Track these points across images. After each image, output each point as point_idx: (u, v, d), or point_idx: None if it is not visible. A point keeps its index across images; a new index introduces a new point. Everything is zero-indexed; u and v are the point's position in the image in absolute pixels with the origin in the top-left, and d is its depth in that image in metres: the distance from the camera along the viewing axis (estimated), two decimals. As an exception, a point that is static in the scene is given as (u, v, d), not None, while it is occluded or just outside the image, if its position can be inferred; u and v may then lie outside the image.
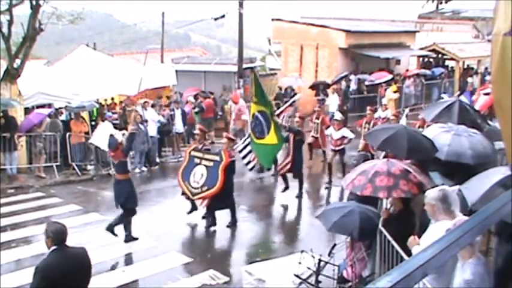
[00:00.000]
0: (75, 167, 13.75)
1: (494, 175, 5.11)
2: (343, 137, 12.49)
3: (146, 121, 14.76)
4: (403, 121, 11.44)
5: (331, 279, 6.33)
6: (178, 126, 16.39)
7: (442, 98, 16.68)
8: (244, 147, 11.57)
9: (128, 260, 8.54)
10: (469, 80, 22.74)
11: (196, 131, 10.67)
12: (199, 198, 9.68)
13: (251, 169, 12.07)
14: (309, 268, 6.47)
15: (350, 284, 6.32)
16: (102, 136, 13.72)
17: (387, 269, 5.32)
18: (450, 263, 4.08)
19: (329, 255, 6.63)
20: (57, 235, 4.64)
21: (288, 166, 11.38)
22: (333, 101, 19.39)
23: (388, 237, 5.47)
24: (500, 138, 5.93)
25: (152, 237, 9.20)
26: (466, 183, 5.26)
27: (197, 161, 9.90)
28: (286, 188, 11.50)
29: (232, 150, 9.97)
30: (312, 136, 14.36)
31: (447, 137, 6.81)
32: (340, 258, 6.78)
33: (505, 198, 2.08)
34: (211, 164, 9.67)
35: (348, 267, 6.35)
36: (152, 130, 14.92)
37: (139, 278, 7.82)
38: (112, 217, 10.31)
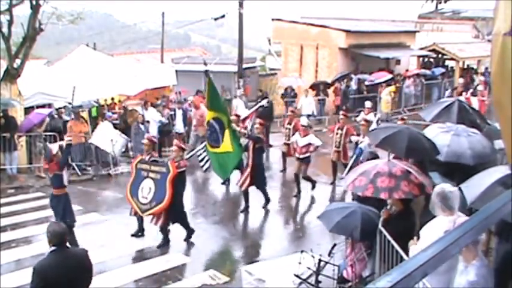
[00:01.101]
0: (75, 167, 13.74)
1: (493, 174, 5.12)
2: (309, 144, 11.46)
3: (148, 122, 14.78)
4: (374, 126, 10.94)
5: (331, 279, 6.33)
6: (179, 127, 16.38)
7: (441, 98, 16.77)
8: (204, 152, 11.18)
9: (128, 260, 8.54)
10: (460, 80, 22.17)
11: (144, 141, 9.71)
12: (150, 214, 8.86)
13: (205, 170, 11.63)
14: (309, 268, 6.47)
15: (350, 284, 6.32)
16: (102, 136, 13.74)
17: (387, 269, 5.32)
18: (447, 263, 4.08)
19: (329, 255, 6.63)
20: (55, 236, 4.64)
21: (248, 180, 10.45)
22: (305, 104, 18.95)
23: (388, 237, 5.48)
24: (499, 137, 5.94)
25: (152, 238, 9.20)
26: (466, 182, 5.28)
27: (144, 174, 9.05)
28: (246, 207, 10.68)
29: (182, 160, 9.09)
30: (284, 143, 13.40)
31: (446, 138, 6.82)
32: (340, 258, 6.78)
33: (505, 197, 2.08)
34: (158, 176, 8.85)
35: (348, 267, 6.35)
36: (153, 130, 14.93)
37: (139, 278, 7.82)
38: (112, 217, 10.34)
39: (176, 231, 9.67)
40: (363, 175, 5.97)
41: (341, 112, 13.22)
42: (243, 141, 10.54)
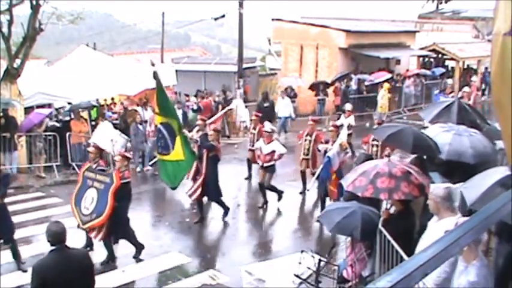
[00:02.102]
0: (75, 167, 13.74)
1: (493, 175, 5.11)
2: (273, 152, 10.74)
3: (146, 121, 14.78)
4: (344, 133, 10.39)
5: (331, 279, 6.33)
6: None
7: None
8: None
9: (128, 260, 8.53)
10: (449, 81, 21.84)
11: (90, 149, 9.23)
12: (90, 227, 8.16)
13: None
14: (309, 268, 6.48)
15: (350, 284, 6.32)
16: (102, 136, 13.74)
17: (387, 269, 5.32)
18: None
19: (329, 255, 6.63)
20: (55, 236, 4.64)
21: (199, 190, 9.84)
22: (282, 106, 18.37)
23: (388, 237, 5.47)
24: (499, 138, 5.94)
25: (152, 237, 9.20)
26: (466, 183, 5.27)
27: (89, 183, 8.43)
28: (201, 218, 10.10)
29: (127, 171, 8.44)
30: (249, 149, 12.62)
31: (448, 136, 6.83)
32: (340, 258, 6.79)
33: (505, 198, 2.08)
34: (102, 186, 8.21)
35: (348, 267, 6.35)
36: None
37: (139, 278, 7.82)
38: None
39: (176, 231, 9.68)
40: (363, 175, 5.96)
41: (310, 117, 12.47)
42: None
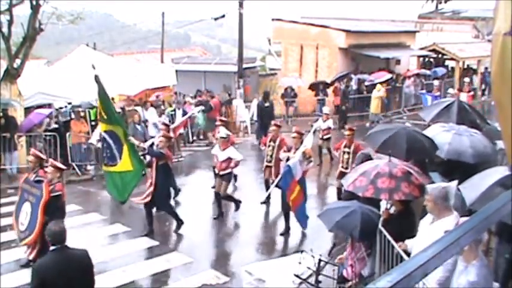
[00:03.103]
0: (75, 167, 13.75)
1: (493, 175, 5.12)
2: (229, 159, 10.11)
3: (146, 121, 14.79)
4: (309, 139, 9.69)
5: (331, 279, 6.33)
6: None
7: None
8: None
9: (128, 260, 8.54)
10: (435, 83, 20.96)
11: (29, 157, 8.51)
12: (25, 245, 7.56)
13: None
14: (309, 268, 6.47)
15: (350, 283, 6.32)
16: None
17: (387, 269, 5.32)
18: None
19: (329, 255, 6.63)
20: (54, 236, 4.65)
21: (149, 198, 9.17)
22: (242, 111, 17.70)
23: (388, 237, 5.47)
24: (499, 138, 5.94)
25: (152, 238, 9.20)
26: (465, 183, 5.27)
27: (26, 196, 7.76)
28: (150, 230, 9.34)
29: (58, 183, 7.72)
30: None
31: (448, 136, 6.83)
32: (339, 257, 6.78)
33: (504, 198, 2.08)
34: (34, 200, 7.54)
35: (348, 267, 6.35)
36: (152, 130, 14.95)
37: (139, 278, 7.82)
38: (112, 217, 10.33)
39: (176, 231, 9.67)
40: (363, 175, 5.97)
41: (272, 122, 11.92)
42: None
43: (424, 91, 20.83)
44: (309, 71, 24.08)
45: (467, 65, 27.40)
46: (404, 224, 5.79)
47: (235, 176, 12.23)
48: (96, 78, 8.96)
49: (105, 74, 17.18)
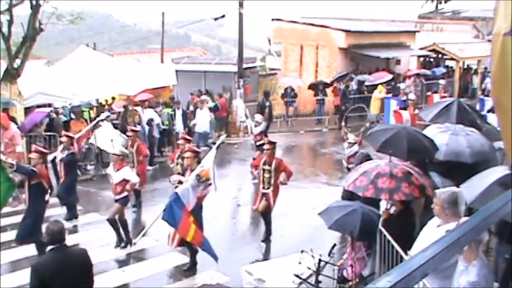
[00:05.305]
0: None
1: (493, 174, 5.13)
2: (125, 181, 8.69)
3: (152, 120, 14.85)
4: (208, 159, 7.98)
5: (331, 279, 6.33)
6: (179, 126, 16.40)
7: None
8: None
9: (128, 260, 8.54)
10: (401, 85, 19.99)
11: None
12: None
13: None
14: (309, 268, 6.47)
15: (350, 283, 6.32)
16: (102, 136, 13.74)
17: (387, 269, 5.33)
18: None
19: (329, 255, 6.63)
20: (53, 235, 4.66)
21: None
22: (200, 119, 15.81)
23: (388, 237, 5.48)
24: (498, 138, 5.94)
25: (152, 237, 9.20)
26: (466, 182, 5.28)
27: None
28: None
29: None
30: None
31: (445, 137, 6.84)
32: (340, 258, 6.79)
33: (505, 198, 2.08)
34: None
35: (348, 267, 6.36)
36: (155, 131, 15.05)
37: (139, 278, 7.82)
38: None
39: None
40: (364, 175, 5.97)
41: (180, 135, 11.25)
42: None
43: (390, 94, 19.41)
44: (309, 71, 24.09)
45: (467, 65, 27.41)
46: (404, 224, 5.79)
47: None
48: None
49: (105, 74, 17.27)
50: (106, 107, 18.30)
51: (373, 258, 6.26)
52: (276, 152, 9.21)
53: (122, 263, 8.40)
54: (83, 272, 4.79)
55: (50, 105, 15.71)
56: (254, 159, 10.83)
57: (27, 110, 14.72)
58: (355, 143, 10.25)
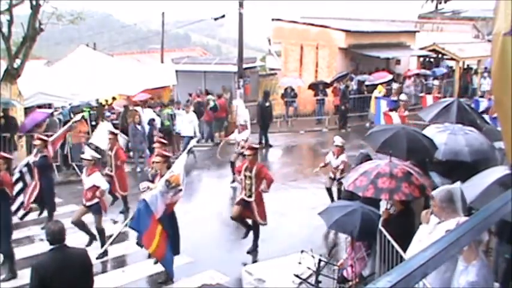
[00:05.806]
0: (75, 167, 13.73)
1: (493, 174, 5.14)
2: (95, 187, 8.39)
3: (154, 120, 14.86)
4: (179, 164, 7.68)
5: (331, 279, 6.33)
6: (179, 127, 16.40)
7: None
8: None
9: (128, 260, 8.54)
10: (394, 85, 19.36)
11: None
12: None
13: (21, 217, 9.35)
14: (309, 268, 6.47)
15: (350, 283, 6.33)
16: (102, 136, 13.73)
17: (387, 269, 5.32)
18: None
19: (329, 255, 6.63)
20: (54, 235, 4.66)
21: None
22: (185, 123, 15.45)
23: (388, 237, 5.48)
24: (498, 137, 5.94)
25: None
26: (467, 182, 5.28)
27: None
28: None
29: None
30: (106, 174, 10.31)
31: (443, 137, 6.85)
32: (340, 258, 6.79)
33: (505, 197, 2.08)
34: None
35: (348, 267, 6.36)
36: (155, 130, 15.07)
37: (139, 278, 7.82)
38: (112, 217, 10.29)
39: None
40: (364, 175, 5.97)
41: (155, 139, 11.07)
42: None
43: (381, 95, 18.80)
44: (309, 71, 24.08)
45: (467, 65, 27.41)
46: (404, 224, 5.79)
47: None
48: None
49: (105, 74, 17.27)
50: (106, 107, 18.33)
51: (373, 258, 6.25)
52: (257, 158, 8.85)
53: (122, 263, 8.39)
54: (83, 272, 4.79)
55: (50, 105, 15.73)
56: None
57: (27, 110, 14.73)
58: (343, 149, 10.00)
